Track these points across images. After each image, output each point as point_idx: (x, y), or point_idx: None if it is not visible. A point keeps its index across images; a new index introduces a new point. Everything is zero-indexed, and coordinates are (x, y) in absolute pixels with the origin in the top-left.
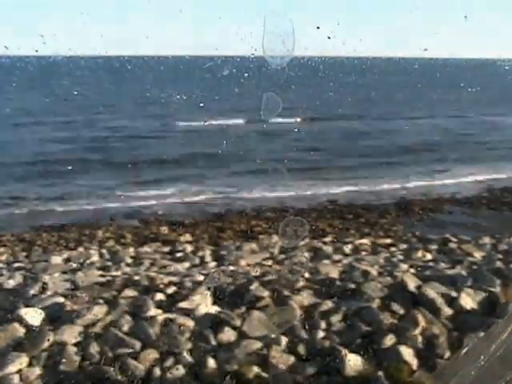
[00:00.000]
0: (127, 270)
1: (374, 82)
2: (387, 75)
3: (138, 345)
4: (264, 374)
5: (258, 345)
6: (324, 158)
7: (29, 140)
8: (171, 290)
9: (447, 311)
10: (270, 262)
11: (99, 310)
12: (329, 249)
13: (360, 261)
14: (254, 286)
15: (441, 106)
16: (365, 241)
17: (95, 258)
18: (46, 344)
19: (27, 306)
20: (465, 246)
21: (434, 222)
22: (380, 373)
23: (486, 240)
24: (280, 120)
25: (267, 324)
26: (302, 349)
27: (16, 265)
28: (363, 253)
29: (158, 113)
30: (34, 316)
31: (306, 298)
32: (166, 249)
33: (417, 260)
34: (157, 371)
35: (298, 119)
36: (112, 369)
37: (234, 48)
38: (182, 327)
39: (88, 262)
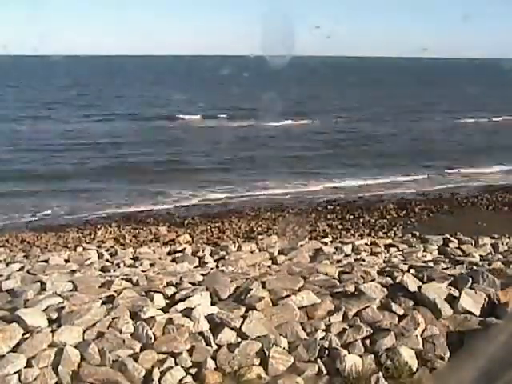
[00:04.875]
0: (126, 270)
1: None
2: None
3: (137, 346)
4: (264, 375)
5: (257, 345)
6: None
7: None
8: (170, 290)
9: (447, 311)
10: (269, 263)
11: (98, 311)
12: (329, 249)
13: (360, 261)
14: (253, 287)
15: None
16: (365, 241)
17: (94, 258)
18: (44, 345)
19: (26, 306)
20: (465, 246)
21: (434, 222)
22: (380, 373)
23: (486, 240)
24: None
25: (267, 325)
26: (301, 349)
27: (15, 265)
28: (363, 253)
29: None
30: (32, 317)
31: (305, 298)
32: (166, 249)
33: (417, 260)
34: (156, 372)
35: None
36: (111, 370)
37: (234, 48)
38: (181, 328)
39: (87, 262)
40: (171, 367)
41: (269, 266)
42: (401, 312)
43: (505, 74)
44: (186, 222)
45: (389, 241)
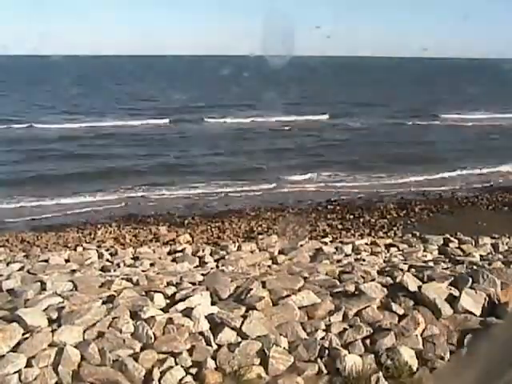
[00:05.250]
0: (126, 270)
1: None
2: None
3: (137, 345)
4: (264, 375)
5: (257, 345)
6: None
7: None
8: (170, 290)
9: (447, 311)
10: (269, 263)
11: (98, 311)
12: (329, 249)
13: (360, 261)
14: (253, 287)
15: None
16: (365, 241)
17: (94, 258)
18: (44, 345)
19: (26, 306)
20: (465, 246)
21: (434, 221)
22: (380, 373)
23: (486, 240)
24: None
25: (267, 325)
26: (301, 349)
27: (15, 265)
28: (363, 253)
29: None
30: (32, 317)
31: (305, 298)
32: (166, 249)
33: (417, 260)
34: (156, 372)
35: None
36: (111, 370)
37: (234, 48)
38: (181, 328)
39: (87, 262)
40: (171, 367)
41: (269, 266)
42: (401, 312)
43: (505, 74)
44: (186, 221)
45: (389, 240)
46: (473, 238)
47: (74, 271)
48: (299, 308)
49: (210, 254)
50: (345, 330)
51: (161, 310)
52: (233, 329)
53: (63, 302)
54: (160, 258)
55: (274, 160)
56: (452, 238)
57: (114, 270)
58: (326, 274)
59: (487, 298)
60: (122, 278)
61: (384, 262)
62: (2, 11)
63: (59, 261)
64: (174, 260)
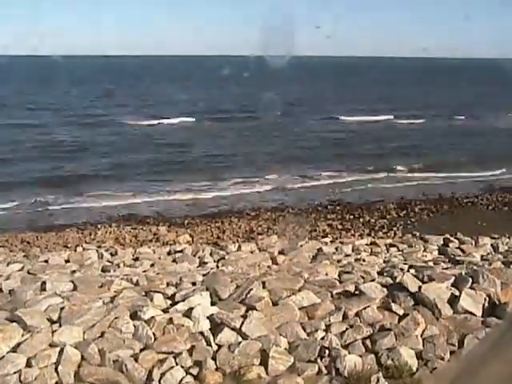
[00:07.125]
0: (126, 270)
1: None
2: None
3: (137, 346)
4: (264, 375)
5: (257, 345)
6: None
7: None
8: (170, 290)
9: (447, 311)
10: (269, 263)
11: (98, 311)
12: (329, 249)
13: (360, 261)
14: (253, 287)
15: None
16: (365, 241)
17: (94, 258)
18: (44, 345)
19: (26, 306)
20: (465, 246)
21: (434, 222)
22: (380, 374)
23: (486, 240)
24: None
25: (267, 325)
26: (301, 349)
27: (15, 265)
28: (363, 253)
29: None
30: (32, 317)
31: (305, 298)
32: (166, 249)
33: (417, 260)
34: (156, 372)
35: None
36: (111, 370)
37: (234, 48)
38: (181, 328)
39: (87, 262)
40: (171, 367)
41: (269, 266)
42: (401, 312)
43: (505, 74)
44: (186, 221)
45: (389, 241)
46: (473, 238)
47: (74, 271)
48: (299, 308)
49: (210, 255)
50: (345, 330)
51: (161, 310)
52: (233, 329)
53: (63, 303)
54: (160, 259)
55: None
56: (452, 238)
57: (114, 271)
58: (326, 274)
59: (487, 298)
60: (122, 279)
61: (384, 262)
62: (2, 11)
63: (59, 261)
64: (174, 260)
